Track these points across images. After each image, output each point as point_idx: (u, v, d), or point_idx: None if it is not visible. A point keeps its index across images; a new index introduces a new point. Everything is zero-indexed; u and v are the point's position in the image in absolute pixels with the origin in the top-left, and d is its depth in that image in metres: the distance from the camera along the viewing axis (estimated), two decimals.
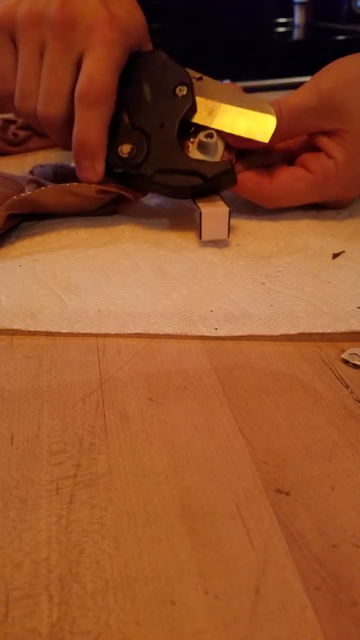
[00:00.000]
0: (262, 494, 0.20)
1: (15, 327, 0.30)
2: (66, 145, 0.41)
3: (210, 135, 0.40)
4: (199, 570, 0.18)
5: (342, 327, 0.29)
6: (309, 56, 1.30)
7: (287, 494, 0.20)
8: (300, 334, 0.29)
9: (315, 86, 0.38)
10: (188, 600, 0.17)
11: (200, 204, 0.38)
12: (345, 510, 0.20)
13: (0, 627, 0.16)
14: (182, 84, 0.40)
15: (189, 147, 0.40)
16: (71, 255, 0.37)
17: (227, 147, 0.40)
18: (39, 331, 0.30)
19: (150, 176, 0.39)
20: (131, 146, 0.40)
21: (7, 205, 0.38)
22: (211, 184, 0.38)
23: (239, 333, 0.29)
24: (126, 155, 0.40)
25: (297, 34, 1.50)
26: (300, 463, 0.22)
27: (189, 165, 0.39)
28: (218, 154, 0.40)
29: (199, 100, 0.40)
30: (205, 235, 0.38)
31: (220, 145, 0.40)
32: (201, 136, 0.40)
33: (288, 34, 1.53)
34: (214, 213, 0.37)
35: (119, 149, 0.40)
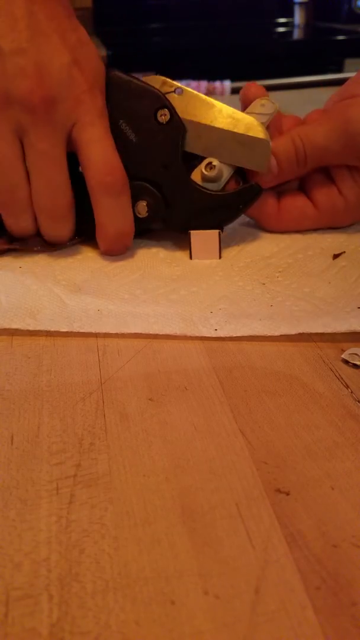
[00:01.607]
0: (262, 494, 0.20)
1: (14, 326, 0.30)
2: (64, 234, 0.37)
3: (211, 167, 0.36)
4: (199, 570, 0.18)
5: (342, 327, 0.29)
6: (309, 56, 1.30)
7: (287, 494, 0.20)
8: (300, 334, 0.29)
9: (343, 127, 0.35)
10: (188, 600, 0.17)
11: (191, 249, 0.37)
12: (345, 510, 0.20)
13: (0, 627, 0.16)
14: (161, 107, 0.35)
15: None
16: (71, 256, 0.37)
17: (233, 173, 0.37)
18: (39, 331, 0.30)
19: (181, 228, 0.37)
20: (145, 202, 0.37)
21: None
22: (239, 212, 0.37)
23: (239, 334, 0.29)
24: (145, 215, 0.37)
25: (297, 34, 1.50)
26: (300, 463, 0.22)
27: (217, 201, 0.36)
28: (223, 180, 0.37)
29: (185, 121, 0.36)
30: (195, 255, 0.37)
31: (226, 172, 0.36)
32: (202, 167, 0.36)
33: (288, 34, 1.53)
34: (203, 235, 0.37)
35: (135, 210, 0.36)
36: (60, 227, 0.36)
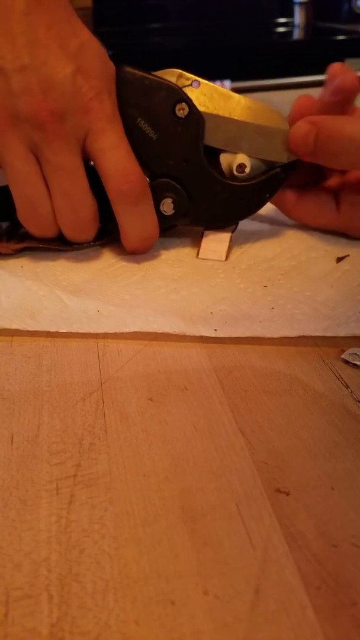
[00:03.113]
0: (262, 494, 0.20)
1: (14, 326, 0.30)
2: (88, 239, 0.37)
3: (242, 168, 0.36)
4: (199, 570, 0.18)
5: (343, 332, 0.29)
6: (309, 56, 1.30)
7: (287, 494, 0.20)
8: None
9: None
10: (188, 600, 0.17)
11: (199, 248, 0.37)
12: (345, 510, 0.20)
13: (0, 627, 0.16)
14: (179, 101, 0.34)
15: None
16: (73, 257, 0.37)
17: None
18: (39, 331, 0.30)
19: (207, 223, 0.37)
20: (170, 199, 0.36)
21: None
22: (264, 202, 0.37)
23: (239, 335, 0.29)
24: (171, 213, 0.36)
25: (297, 34, 1.50)
26: (300, 463, 0.22)
27: (241, 192, 0.36)
28: (251, 173, 0.36)
29: (203, 114, 0.35)
30: (203, 254, 0.37)
31: (255, 167, 0.36)
32: (233, 169, 0.36)
33: (288, 34, 1.53)
34: (215, 235, 0.37)
35: (160, 208, 0.36)
36: (84, 236, 0.36)
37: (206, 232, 0.37)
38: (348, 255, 0.36)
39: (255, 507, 0.20)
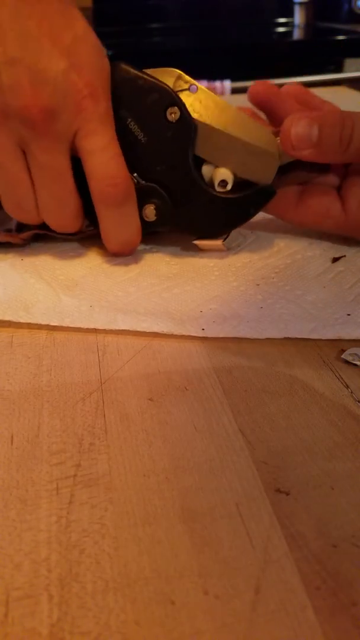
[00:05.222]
0: (262, 494, 0.20)
1: (7, 318, 0.30)
2: (73, 231, 0.36)
3: (224, 184, 0.35)
4: (199, 570, 0.18)
5: (329, 334, 0.29)
6: (309, 56, 1.30)
7: (287, 494, 0.20)
8: None
9: None
10: (188, 600, 0.17)
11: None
12: (345, 510, 0.20)
13: (0, 627, 0.16)
14: (171, 104, 0.33)
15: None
16: (72, 251, 0.38)
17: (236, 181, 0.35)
18: (39, 331, 0.30)
19: (189, 231, 0.36)
20: (153, 206, 0.35)
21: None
22: (250, 216, 0.35)
23: (225, 334, 0.29)
24: (153, 219, 0.35)
25: (297, 34, 1.50)
26: (300, 463, 0.22)
27: (227, 204, 0.35)
28: (228, 189, 0.35)
29: (195, 122, 0.34)
30: (201, 244, 0.37)
31: (231, 182, 0.35)
32: (215, 183, 0.35)
33: (288, 34, 1.53)
34: (207, 244, 0.37)
35: (142, 213, 0.35)
36: (69, 229, 0.36)
37: (198, 244, 0.36)
38: (344, 256, 0.36)
39: (255, 507, 0.20)
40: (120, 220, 0.34)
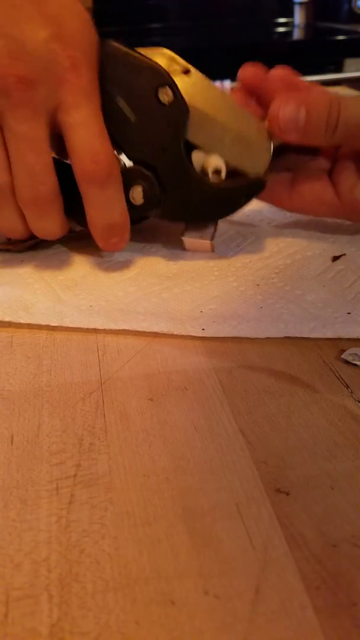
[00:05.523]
0: (262, 494, 0.20)
1: (7, 319, 0.30)
2: (54, 228, 0.34)
3: (218, 172, 0.34)
4: (199, 570, 0.18)
5: (329, 333, 0.29)
6: (309, 56, 1.30)
7: (287, 494, 0.20)
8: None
9: None
10: (188, 600, 0.17)
11: (185, 231, 0.36)
12: (345, 510, 0.20)
13: (0, 627, 0.16)
14: (162, 84, 0.32)
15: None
16: (72, 251, 0.38)
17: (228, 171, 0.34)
18: (39, 331, 0.30)
19: (176, 219, 0.35)
20: (141, 188, 0.34)
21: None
22: (239, 206, 0.35)
23: (225, 334, 0.29)
24: (141, 202, 0.34)
25: (297, 34, 1.50)
26: (300, 463, 0.22)
27: (218, 194, 0.34)
28: (222, 177, 0.35)
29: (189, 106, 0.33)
30: (188, 246, 0.37)
31: (224, 171, 0.34)
32: (209, 172, 0.34)
33: (288, 34, 1.53)
34: (195, 243, 0.36)
35: (129, 196, 0.34)
36: (47, 219, 0.33)
37: (185, 240, 0.36)
38: (344, 254, 0.36)
39: (255, 507, 0.20)
40: (104, 201, 0.32)
